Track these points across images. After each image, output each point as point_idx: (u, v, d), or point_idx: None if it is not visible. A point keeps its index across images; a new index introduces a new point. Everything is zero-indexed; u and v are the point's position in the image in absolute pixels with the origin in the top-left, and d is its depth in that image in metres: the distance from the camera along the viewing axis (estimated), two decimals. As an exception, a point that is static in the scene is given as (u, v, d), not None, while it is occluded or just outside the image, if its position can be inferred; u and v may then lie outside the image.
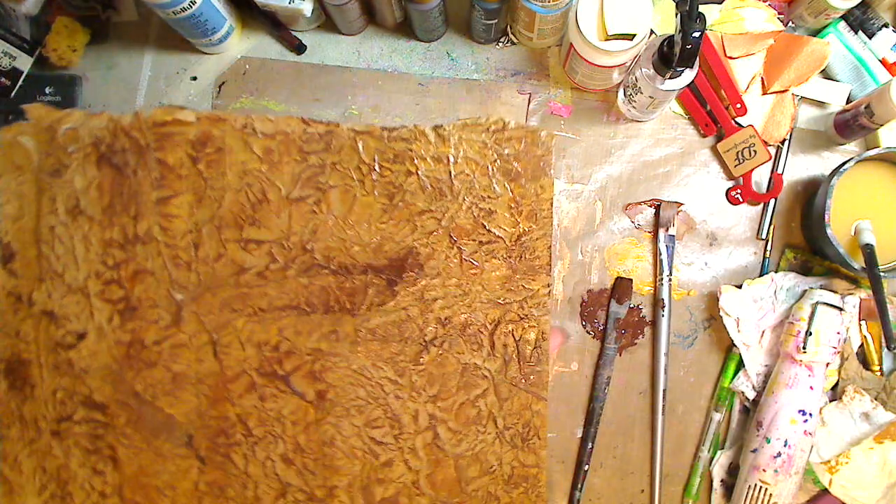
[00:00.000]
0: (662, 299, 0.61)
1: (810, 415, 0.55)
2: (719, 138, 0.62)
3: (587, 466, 0.60)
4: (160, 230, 0.37)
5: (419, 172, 0.36)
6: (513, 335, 0.37)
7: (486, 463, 0.37)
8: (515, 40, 0.64)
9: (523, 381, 0.37)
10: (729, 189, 0.63)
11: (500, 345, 0.37)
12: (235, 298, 0.37)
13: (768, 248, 0.63)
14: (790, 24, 0.64)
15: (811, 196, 0.62)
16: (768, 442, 0.56)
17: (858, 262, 0.54)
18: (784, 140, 0.62)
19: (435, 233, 0.36)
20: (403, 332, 0.37)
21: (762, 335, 0.60)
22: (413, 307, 0.36)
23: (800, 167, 0.63)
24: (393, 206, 0.36)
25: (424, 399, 0.37)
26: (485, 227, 0.36)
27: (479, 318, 0.37)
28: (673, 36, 0.49)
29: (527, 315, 0.37)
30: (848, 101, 0.62)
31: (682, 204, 0.63)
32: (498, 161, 0.36)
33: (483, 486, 0.38)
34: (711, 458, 0.61)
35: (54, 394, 0.38)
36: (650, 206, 0.63)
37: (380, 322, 0.37)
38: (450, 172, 0.36)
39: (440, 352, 0.37)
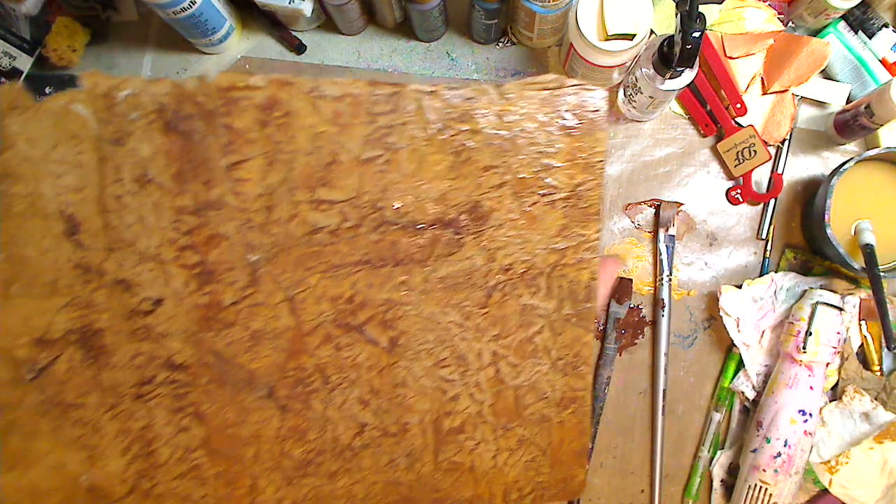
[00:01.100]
0: (662, 299, 0.61)
1: (810, 415, 0.55)
2: (719, 138, 0.63)
3: (587, 466, 0.60)
4: (232, 195, 0.38)
5: (483, 130, 0.38)
6: (567, 277, 0.40)
7: (541, 390, 0.41)
8: (515, 40, 0.64)
9: (575, 317, 0.41)
10: (729, 189, 0.63)
11: (556, 286, 0.40)
12: (309, 257, 0.39)
13: (768, 248, 0.63)
14: (790, 24, 0.64)
15: (811, 196, 0.62)
16: (768, 442, 0.56)
17: (858, 262, 0.54)
18: (784, 140, 0.62)
19: (498, 187, 0.39)
20: (469, 280, 0.39)
21: (762, 335, 0.60)
22: (478, 256, 0.39)
23: (800, 167, 0.63)
24: (459, 163, 0.38)
25: (487, 339, 0.40)
26: (544, 179, 0.39)
27: (538, 263, 0.40)
28: (673, 36, 0.49)
29: (580, 258, 0.40)
30: (848, 101, 0.63)
31: (682, 204, 0.63)
32: (556, 117, 0.39)
33: (538, 410, 0.41)
34: (711, 458, 0.61)
35: (133, 359, 0.39)
36: (650, 206, 0.63)
37: (448, 272, 0.39)
38: (511, 129, 0.38)
39: (502, 295, 0.40)
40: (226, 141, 0.38)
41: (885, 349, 0.59)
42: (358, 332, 0.40)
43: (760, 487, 0.56)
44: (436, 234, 0.39)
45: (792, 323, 0.57)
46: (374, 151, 0.38)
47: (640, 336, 0.62)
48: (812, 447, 0.57)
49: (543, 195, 0.39)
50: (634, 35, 0.52)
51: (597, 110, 0.39)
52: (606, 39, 0.52)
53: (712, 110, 0.62)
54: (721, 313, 0.59)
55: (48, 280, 0.39)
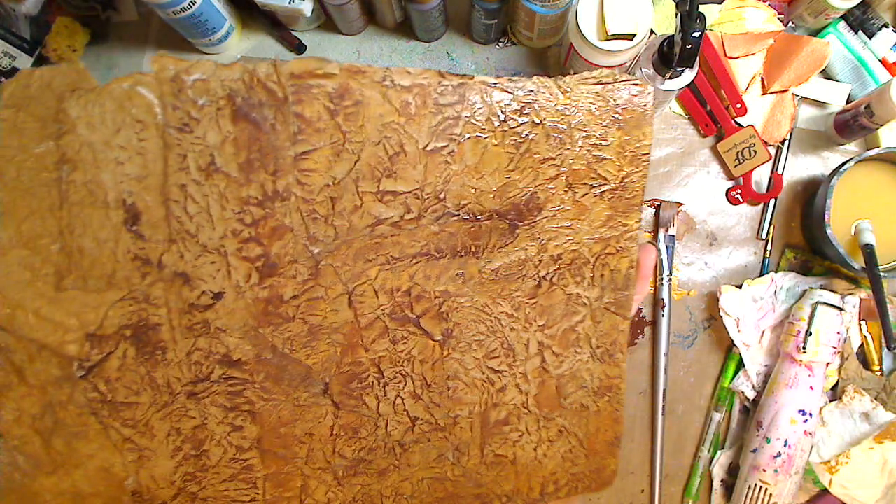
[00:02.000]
0: (662, 299, 0.61)
1: (810, 415, 0.55)
2: (719, 138, 0.62)
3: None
4: (298, 185, 0.37)
5: (544, 122, 0.39)
6: (609, 266, 0.40)
7: (581, 379, 0.41)
8: (515, 40, 0.64)
9: (614, 305, 0.41)
10: (729, 189, 0.63)
11: (598, 275, 0.40)
12: (369, 249, 0.38)
13: (768, 248, 0.63)
14: (790, 24, 0.64)
15: (811, 196, 0.62)
16: (768, 442, 0.56)
17: (858, 262, 0.54)
18: (784, 140, 0.62)
19: (554, 178, 0.39)
20: (522, 271, 0.39)
21: (762, 335, 0.60)
22: (531, 247, 0.39)
23: (800, 167, 0.63)
24: (519, 155, 0.38)
25: (535, 329, 0.40)
26: (596, 171, 0.39)
27: (585, 252, 0.40)
28: (673, 36, 0.49)
29: (622, 247, 0.40)
30: (848, 101, 0.62)
31: (682, 204, 0.63)
32: (609, 111, 0.39)
33: (577, 399, 0.41)
34: (711, 458, 0.61)
35: (189, 355, 0.38)
36: (650, 206, 0.63)
37: (502, 263, 0.39)
38: (570, 122, 0.39)
39: (550, 285, 0.40)
40: (295, 129, 0.37)
41: (885, 349, 0.59)
42: (414, 325, 0.39)
43: (760, 487, 0.56)
44: (492, 225, 0.39)
45: (792, 323, 0.57)
46: (439, 142, 0.38)
47: (640, 336, 0.62)
48: (812, 447, 0.57)
49: (594, 186, 0.39)
50: (634, 35, 0.52)
51: (645, 105, 0.39)
52: (606, 39, 0.52)
53: (712, 110, 0.62)
54: (721, 313, 0.59)
55: (104, 272, 0.37)
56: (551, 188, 0.39)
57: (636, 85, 0.39)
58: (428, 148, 0.38)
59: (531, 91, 0.38)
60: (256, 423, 0.39)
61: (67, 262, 0.38)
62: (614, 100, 0.39)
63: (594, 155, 0.39)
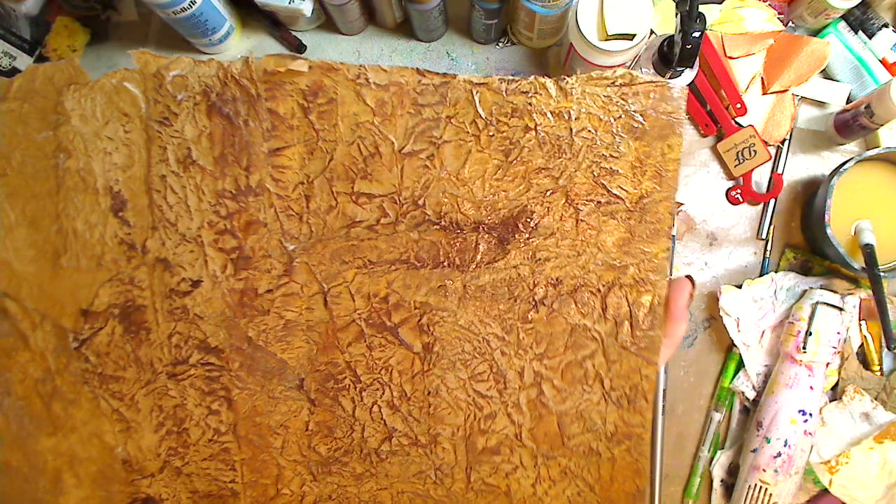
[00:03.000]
0: (662, 299, 0.61)
1: (810, 415, 0.55)
2: (719, 138, 0.62)
3: None
4: (272, 181, 0.38)
5: (538, 128, 0.35)
6: (626, 299, 0.36)
7: (590, 420, 0.38)
8: (515, 40, 0.64)
9: (634, 345, 0.36)
10: (729, 189, 0.63)
11: (613, 308, 0.36)
12: (346, 250, 0.38)
13: (768, 248, 0.63)
14: (790, 24, 0.64)
15: (811, 196, 0.62)
16: (768, 442, 0.56)
17: (858, 262, 0.54)
18: (784, 140, 0.62)
19: (551, 192, 0.36)
20: (513, 291, 0.37)
21: (762, 335, 0.60)
22: (524, 266, 0.36)
23: (800, 167, 0.63)
24: (508, 163, 0.36)
25: (531, 357, 0.37)
26: (605, 186, 0.35)
27: (593, 280, 0.36)
28: (673, 36, 0.49)
29: (643, 279, 0.36)
30: (848, 101, 0.62)
31: (682, 204, 0.63)
32: (623, 117, 0.35)
33: (585, 442, 0.38)
34: (711, 458, 0.61)
35: (170, 338, 0.40)
36: (650, 206, 0.63)
37: (489, 280, 0.37)
38: (570, 129, 0.35)
39: (549, 311, 0.37)
40: (268, 126, 0.37)
41: (885, 349, 0.59)
42: (391, 334, 0.38)
43: (760, 487, 0.56)
44: (478, 238, 0.37)
45: (792, 323, 0.57)
46: (417, 145, 0.37)
47: (640, 336, 0.62)
48: (812, 447, 0.57)
49: (602, 204, 0.36)
50: (634, 35, 0.52)
51: (672, 112, 0.34)
52: (606, 39, 0.52)
53: (712, 110, 0.62)
54: (721, 313, 0.59)
55: (94, 254, 0.40)
56: (548, 202, 0.36)
57: (660, 86, 0.34)
58: (404, 150, 0.37)
59: (525, 92, 0.35)
60: (232, 409, 0.40)
61: (64, 242, 0.40)
62: (630, 104, 0.35)
63: (603, 168, 0.35)
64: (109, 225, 0.39)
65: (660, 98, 0.35)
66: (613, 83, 0.35)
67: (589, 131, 0.35)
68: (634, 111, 0.35)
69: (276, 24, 0.62)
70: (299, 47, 0.63)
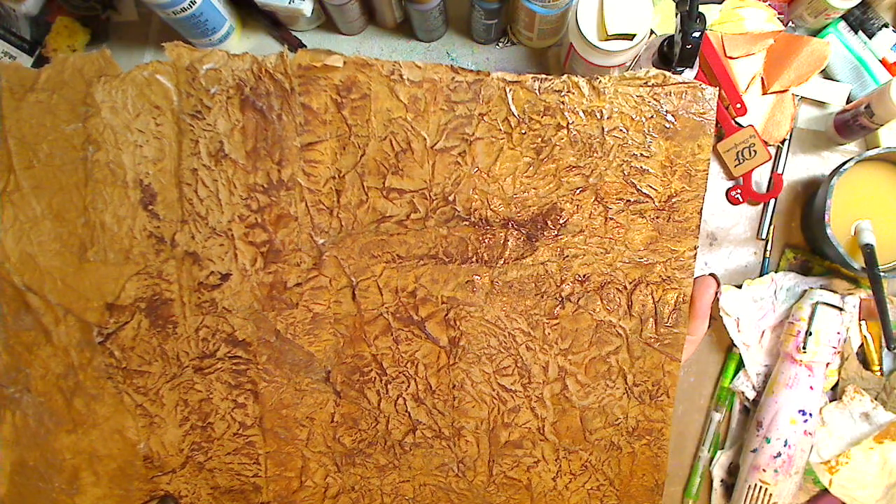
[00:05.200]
0: (662, 299, 0.61)
1: (810, 415, 0.55)
2: (719, 138, 0.62)
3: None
4: (303, 175, 0.38)
5: (570, 126, 0.36)
6: (652, 296, 0.37)
7: (612, 415, 0.38)
8: (515, 40, 0.64)
9: (658, 342, 0.37)
10: (729, 189, 0.63)
11: (638, 305, 0.37)
12: (375, 245, 0.38)
13: (768, 248, 0.63)
14: (790, 24, 0.64)
15: (811, 196, 0.62)
16: (768, 442, 0.56)
17: (858, 262, 0.54)
18: (784, 140, 0.62)
19: (581, 190, 0.36)
20: (540, 287, 0.37)
21: (762, 335, 0.60)
22: (552, 263, 0.37)
23: (800, 167, 0.63)
24: (539, 161, 0.36)
25: (556, 352, 0.38)
26: (635, 185, 0.36)
27: (619, 277, 0.36)
28: (673, 36, 0.49)
29: (669, 277, 0.36)
30: (848, 101, 0.63)
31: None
32: (654, 117, 0.35)
33: (606, 437, 0.38)
34: (711, 458, 0.61)
35: (197, 332, 0.40)
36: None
37: (517, 275, 0.37)
38: (602, 128, 0.35)
39: (575, 308, 0.37)
40: (301, 120, 0.37)
41: (885, 349, 0.59)
42: (418, 328, 0.39)
43: (760, 487, 0.56)
44: (507, 235, 0.37)
45: (792, 323, 0.57)
46: (449, 141, 0.37)
47: (640, 336, 0.62)
48: (812, 447, 0.57)
49: (631, 202, 0.36)
50: (634, 35, 0.52)
51: (704, 112, 0.35)
52: (606, 39, 0.52)
53: (712, 110, 0.62)
54: (721, 313, 0.59)
55: (122, 247, 0.40)
56: (578, 200, 0.36)
57: (695, 87, 0.35)
58: (436, 146, 0.37)
59: (558, 91, 0.35)
60: (258, 402, 0.40)
61: (91, 235, 0.40)
62: (662, 105, 0.35)
63: (633, 167, 0.36)
64: (138, 218, 0.39)
65: (692, 99, 0.35)
66: (646, 83, 0.36)
67: (620, 130, 0.36)
68: (666, 111, 0.35)
69: (276, 24, 0.62)
70: (299, 47, 0.63)
